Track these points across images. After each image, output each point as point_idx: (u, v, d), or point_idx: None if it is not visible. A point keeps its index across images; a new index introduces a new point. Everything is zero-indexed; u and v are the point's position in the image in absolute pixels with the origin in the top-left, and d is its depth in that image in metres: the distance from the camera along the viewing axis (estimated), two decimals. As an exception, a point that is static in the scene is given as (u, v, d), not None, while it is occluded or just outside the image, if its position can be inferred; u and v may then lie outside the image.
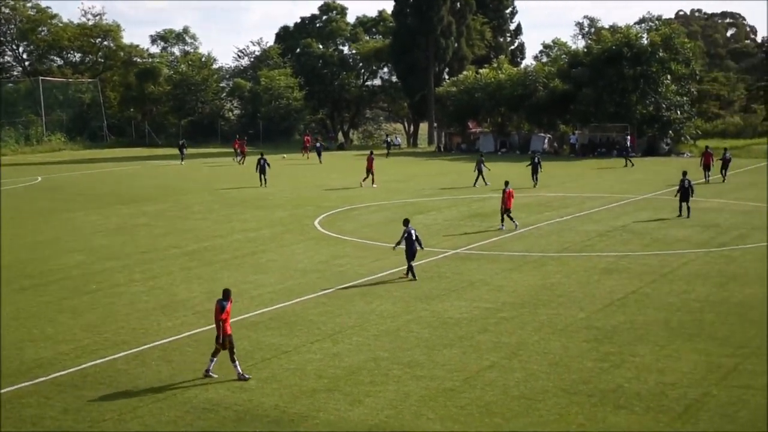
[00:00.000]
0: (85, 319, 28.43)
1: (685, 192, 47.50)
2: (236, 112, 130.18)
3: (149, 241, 42.80)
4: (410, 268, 33.30)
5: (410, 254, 33.13)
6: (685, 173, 48.45)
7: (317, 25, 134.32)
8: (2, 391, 21.65)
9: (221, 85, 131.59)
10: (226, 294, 22.73)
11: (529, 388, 21.29)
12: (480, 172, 63.77)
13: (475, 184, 63.08)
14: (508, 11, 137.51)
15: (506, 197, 44.01)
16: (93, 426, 19.46)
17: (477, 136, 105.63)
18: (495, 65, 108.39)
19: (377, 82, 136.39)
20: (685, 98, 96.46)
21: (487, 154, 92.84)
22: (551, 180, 66.65)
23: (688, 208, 47.53)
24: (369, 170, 64.92)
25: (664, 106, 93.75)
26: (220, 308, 22.34)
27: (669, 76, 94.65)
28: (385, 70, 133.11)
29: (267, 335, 25.99)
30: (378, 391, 21.22)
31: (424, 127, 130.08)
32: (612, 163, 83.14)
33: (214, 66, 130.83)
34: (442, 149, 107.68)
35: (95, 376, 22.70)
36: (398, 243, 33.71)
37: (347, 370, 22.78)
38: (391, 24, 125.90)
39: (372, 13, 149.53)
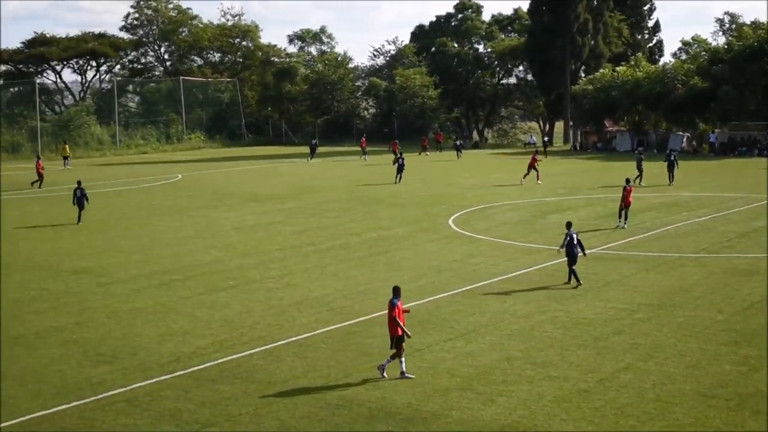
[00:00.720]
0: (222, 314, 28.96)
1: None
2: (371, 110, 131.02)
3: (284, 238, 43.37)
4: (572, 273, 31.99)
5: (571, 258, 31.97)
6: None
7: (452, 23, 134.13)
8: (144, 383, 22.24)
9: (357, 83, 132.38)
10: (397, 291, 22.80)
11: (665, 390, 20.95)
12: (641, 170, 62.91)
13: (640, 182, 61.91)
14: (646, 8, 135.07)
15: (626, 194, 44.20)
16: (229, 419, 19.80)
17: (613, 135, 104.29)
18: (632, 63, 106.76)
19: (512, 80, 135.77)
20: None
21: (623, 153, 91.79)
22: (689, 179, 65.41)
23: None
24: (532, 167, 65.53)
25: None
26: (392, 306, 22.40)
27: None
28: (521, 68, 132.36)
29: (400, 333, 26.07)
30: (511, 390, 21.13)
31: (559, 125, 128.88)
32: (754, 162, 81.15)
33: (350, 65, 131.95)
34: (577, 148, 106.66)
35: (232, 370, 23.10)
36: (562, 246, 32.46)
37: (480, 369, 22.73)
38: (526, 22, 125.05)
39: (507, 11, 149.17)
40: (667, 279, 32.76)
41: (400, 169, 67.44)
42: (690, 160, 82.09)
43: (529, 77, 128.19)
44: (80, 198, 49.61)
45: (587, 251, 35.87)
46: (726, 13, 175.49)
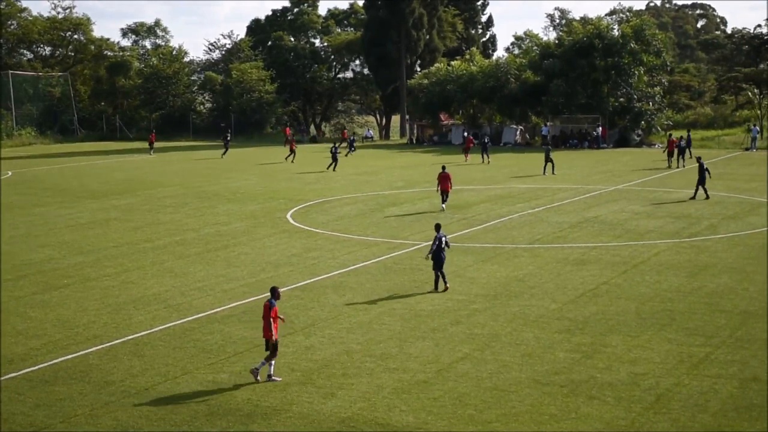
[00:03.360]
0: (56, 314, 28.28)
1: (702, 175, 50.22)
2: (207, 105, 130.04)
3: (121, 235, 42.61)
4: (438, 277, 30.37)
5: (438, 262, 30.30)
6: (699, 158, 51.95)
7: (288, 17, 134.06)
8: (-27, 387, 21.60)
9: (192, 78, 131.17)
10: (275, 292, 22.26)
11: (502, 379, 21.34)
12: (549, 160, 65.70)
13: (545, 172, 65.31)
14: (479, 3, 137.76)
15: (441, 179, 47.81)
16: (65, 421, 19.37)
17: (449, 128, 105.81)
18: (467, 57, 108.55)
19: (349, 74, 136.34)
20: (656, 89, 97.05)
21: (459, 146, 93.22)
22: (522, 172, 66.85)
23: (705, 189, 50.20)
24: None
25: (635, 97, 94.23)
26: (270, 307, 21.82)
27: (641, 68, 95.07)
28: (357, 62, 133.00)
29: (239, 329, 25.93)
30: (351, 383, 21.21)
31: (396, 119, 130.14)
32: (584, 154, 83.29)
33: (185, 59, 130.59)
34: (414, 141, 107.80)
35: (67, 371, 22.58)
36: (430, 252, 30.37)
37: (320, 363, 22.75)
38: (362, 16, 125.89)
39: (343, 5, 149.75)
40: (502, 270, 33.36)
41: (335, 159, 70.81)
42: (523, 153, 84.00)
43: (366, 71, 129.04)
44: None
45: (423, 243, 36.52)
46: (556, 8, 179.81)
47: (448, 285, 30.42)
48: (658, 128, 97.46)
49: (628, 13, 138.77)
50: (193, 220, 46.85)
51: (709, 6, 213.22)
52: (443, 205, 47.55)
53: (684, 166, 68.41)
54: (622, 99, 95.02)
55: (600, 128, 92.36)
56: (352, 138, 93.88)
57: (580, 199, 51.58)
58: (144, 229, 44.40)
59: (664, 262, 34.15)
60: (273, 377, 21.59)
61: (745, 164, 71.06)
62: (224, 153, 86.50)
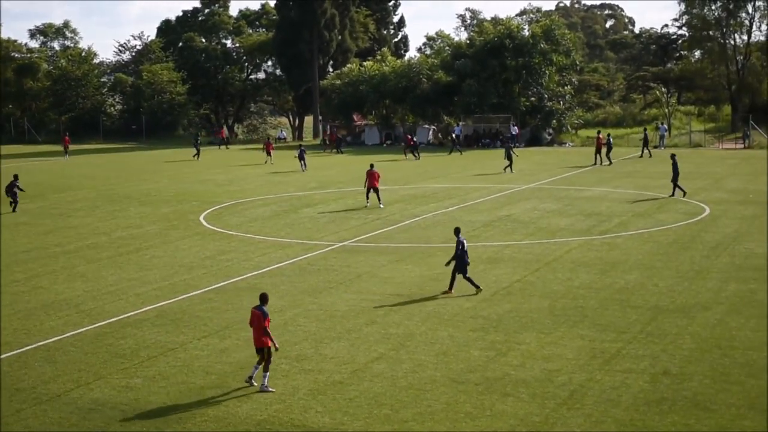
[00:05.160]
0: (-36, 321, 27.76)
1: (676, 172, 50.46)
2: (118, 107, 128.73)
3: (30, 240, 41.93)
4: (454, 279, 29.51)
5: (461, 266, 29.33)
6: (673, 155, 52.61)
7: (200, 18, 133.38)
8: None
9: (102, 80, 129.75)
10: (265, 298, 21.62)
11: (417, 378, 21.41)
12: (510, 159, 66.13)
13: (505, 170, 65.99)
14: (391, 3, 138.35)
15: (368, 177, 48.73)
16: (-26, 430, 19.06)
17: (362, 129, 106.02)
18: (379, 58, 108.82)
19: (261, 75, 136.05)
20: (566, 89, 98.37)
21: (372, 147, 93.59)
22: (436, 171, 67.15)
23: (677, 186, 50.50)
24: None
25: (546, 96, 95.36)
26: (262, 315, 21.15)
27: (551, 68, 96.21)
28: (269, 63, 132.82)
29: (153, 333, 25.67)
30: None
31: (309, 120, 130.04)
32: (497, 153, 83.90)
33: (95, 61, 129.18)
34: (327, 142, 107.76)
35: (-24, 379, 22.19)
36: (453, 257, 29.41)
37: (235, 366, 22.62)
38: (274, 17, 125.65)
39: (255, 6, 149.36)
40: (417, 269, 33.46)
41: (302, 158, 71.11)
42: (435, 153, 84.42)
43: (278, 72, 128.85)
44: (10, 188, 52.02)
45: (338, 244, 36.54)
46: (467, 9, 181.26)
47: (480, 287, 29.60)
48: (569, 127, 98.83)
49: (537, 14, 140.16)
50: (105, 223, 46.29)
51: (618, 6, 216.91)
52: (380, 204, 48.57)
53: (611, 163, 69.73)
54: (533, 98, 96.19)
55: (515, 128, 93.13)
56: (340, 137, 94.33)
57: (493, 198, 51.98)
58: (54, 233, 43.77)
59: (576, 259, 34.57)
60: (267, 388, 20.88)
61: (654, 162, 72.20)
62: (196, 155, 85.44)
